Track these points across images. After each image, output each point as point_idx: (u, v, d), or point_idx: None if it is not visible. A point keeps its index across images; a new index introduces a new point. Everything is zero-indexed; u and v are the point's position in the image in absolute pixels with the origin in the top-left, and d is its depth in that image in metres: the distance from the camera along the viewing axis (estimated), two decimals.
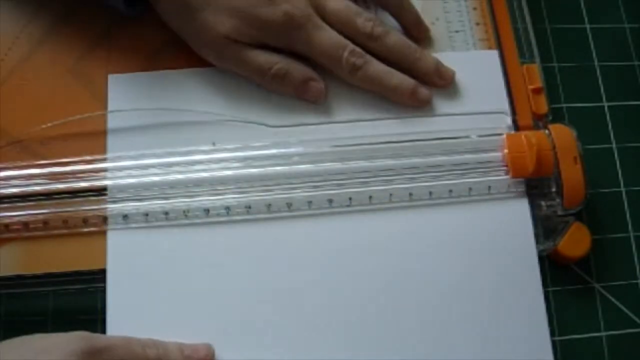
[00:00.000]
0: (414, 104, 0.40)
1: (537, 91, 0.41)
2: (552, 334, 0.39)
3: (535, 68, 0.42)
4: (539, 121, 0.41)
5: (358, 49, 0.39)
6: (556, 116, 0.42)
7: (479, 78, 0.42)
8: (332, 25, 0.39)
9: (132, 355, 0.33)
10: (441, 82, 0.41)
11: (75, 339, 0.32)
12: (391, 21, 0.42)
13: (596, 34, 0.46)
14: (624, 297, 0.40)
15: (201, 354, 0.35)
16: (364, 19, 0.39)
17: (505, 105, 0.41)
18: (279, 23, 0.38)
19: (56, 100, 0.40)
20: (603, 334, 0.39)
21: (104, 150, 0.39)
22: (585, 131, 0.41)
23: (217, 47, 0.39)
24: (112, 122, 0.39)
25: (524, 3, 0.43)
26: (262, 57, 0.39)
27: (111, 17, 0.42)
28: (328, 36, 0.39)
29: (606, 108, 0.44)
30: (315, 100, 0.40)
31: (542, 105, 0.41)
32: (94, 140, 0.39)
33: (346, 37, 0.39)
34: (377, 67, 0.40)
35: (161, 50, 0.41)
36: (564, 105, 0.44)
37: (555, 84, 0.44)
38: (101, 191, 0.37)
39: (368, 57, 0.39)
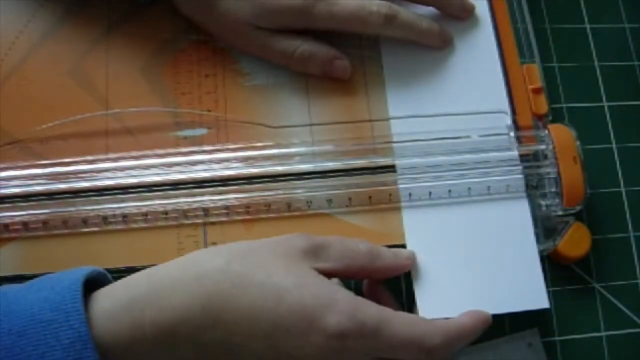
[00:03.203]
0: (441, 45, 0.42)
1: (537, 91, 0.41)
2: (552, 334, 0.39)
3: (535, 68, 0.42)
4: (539, 121, 0.41)
5: (383, 2, 0.39)
6: (556, 116, 0.42)
7: (479, 78, 0.42)
8: None
9: (346, 249, 0.34)
10: (465, 14, 0.42)
11: (296, 237, 0.33)
12: None
13: (596, 34, 0.46)
14: (624, 297, 0.40)
15: (404, 254, 0.36)
16: None
17: (505, 105, 0.41)
18: (298, 3, 0.38)
19: (56, 100, 0.40)
20: (603, 334, 0.39)
21: (104, 150, 0.39)
22: (585, 131, 0.41)
23: (238, 34, 0.40)
24: None
25: (524, 3, 0.43)
26: (285, 42, 0.40)
27: (111, 17, 0.42)
28: (350, 2, 0.39)
29: (606, 108, 0.44)
30: (342, 76, 0.41)
31: (542, 105, 0.41)
32: (94, 140, 0.39)
33: None
34: (407, 14, 0.40)
35: (161, 50, 0.41)
36: (564, 105, 0.44)
37: (555, 84, 0.44)
38: (102, 191, 0.38)
39: (394, 6, 0.40)
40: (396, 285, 0.38)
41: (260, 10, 0.38)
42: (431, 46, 0.41)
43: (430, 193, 0.39)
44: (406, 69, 0.42)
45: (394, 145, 0.40)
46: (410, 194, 0.39)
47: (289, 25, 0.39)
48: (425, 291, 0.37)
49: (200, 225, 0.38)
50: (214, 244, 0.38)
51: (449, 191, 0.39)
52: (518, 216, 0.38)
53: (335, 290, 0.31)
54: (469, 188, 0.39)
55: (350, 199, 0.38)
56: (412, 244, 0.38)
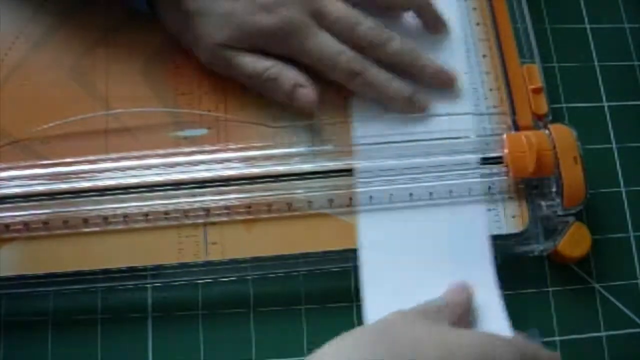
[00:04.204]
0: (410, 112, 0.40)
1: (537, 91, 0.41)
2: (552, 334, 0.39)
3: (535, 68, 0.42)
4: (539, 121, 0.41)
5: (356, 55, 0.39)
6: (556, 116, 0.42)
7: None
8: (332, 33, 0.39)
9: None
10: (444, 85, 0.41)
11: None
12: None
13: (596, 34, 0.46)
14: (624, 297, 0.40)
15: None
16: (366, 28, 0.39)
17: (505, 106, 0.41)
18: (274, 30, 0.38)
19: (56, 100, 0.40)
20: (603, 334, 0.39)
21: (104, 150, 0.39)
22: (585, 131, 0.41)
23: (212, 52, 0.39)
24: None
25: (524, 3, 0.43)
26: (256, 63, 0.39)
27: (111, 18, 0.42)
28: (325, 43, 0.38)
29: (606, 108, 0.44)
30: (304, 107, 0.39)
31: (542, 105, 0.41)
32: (94, 140, 0.39)
33: (346, 44, 0.39)
34: (375, 74, 0.39)
35: (161, 50, 0.41)
36: (564, 105, 0.44)
37: (555, 84, 0.44)
38: (103, 191, 0.37)
39: (367, 63, 0.39)
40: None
41: (236, 32, 0.38)
42: (398, 112, 0.40)
43: (411, 194, 0.39)
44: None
45: (394, 145, 0.40)
46: (410, 194, 0.39)
47: (263, 48, 0.39)
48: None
49: (201, 225, 0.38)
50: (214, 244, 0.38)
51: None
52: None
53: None
54: (470, 189, 0.39)
55: (350, 198, 0.38)
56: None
